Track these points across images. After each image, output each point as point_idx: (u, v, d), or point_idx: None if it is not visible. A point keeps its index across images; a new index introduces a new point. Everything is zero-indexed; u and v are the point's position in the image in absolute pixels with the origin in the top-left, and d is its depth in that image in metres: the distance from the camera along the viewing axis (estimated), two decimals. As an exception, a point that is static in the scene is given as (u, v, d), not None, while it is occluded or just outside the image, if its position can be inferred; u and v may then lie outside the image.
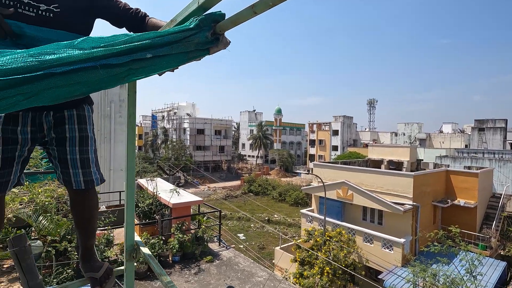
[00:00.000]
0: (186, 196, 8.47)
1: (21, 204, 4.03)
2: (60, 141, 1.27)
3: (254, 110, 59.27)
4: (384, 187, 14.96)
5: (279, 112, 55.63)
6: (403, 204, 14.00)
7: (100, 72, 0.80)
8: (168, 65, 0.96)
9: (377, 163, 23.04)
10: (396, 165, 22.03)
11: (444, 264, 10.67)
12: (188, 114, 48.48)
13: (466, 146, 37.14)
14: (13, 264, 4.50)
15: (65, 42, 0.81)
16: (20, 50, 0.74)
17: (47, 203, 4.10)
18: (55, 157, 1.29)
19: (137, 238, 1.59)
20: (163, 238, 7.07)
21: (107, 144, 13.26)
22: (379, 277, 12.69)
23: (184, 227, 7.35)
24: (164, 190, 8.65)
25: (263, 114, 59.95)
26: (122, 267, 1.56)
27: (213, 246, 8.15)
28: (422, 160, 28.21)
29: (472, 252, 11.23)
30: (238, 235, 21.78)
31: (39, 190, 4.27)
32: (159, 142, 48.13)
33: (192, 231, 7.75)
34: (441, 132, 44.82)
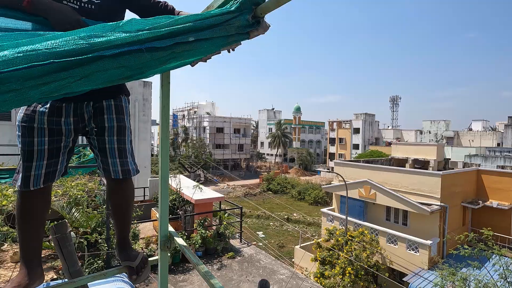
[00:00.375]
0: (208, 192, 8.57)
1: (56, 197, 4.24)
2: (100, 131, 1.29)
3: (273, 109, 59.04)
4: (410, 186, 14.40)
5: (298, 110, 55.06)
6: (430, 205, 13.41)
7: (146, 56, 0.80)
8: (209, 50, 0.94)
9: (401, 162, 22.20)
10: (421, 164, 21.11)
11: (475, 268, 10.11)
12: (207, 113, 49.15)
13: (498, 144, 35.01)
14: (48, 254, 4.75)
15: (111, 23, 0.80)
16: (69, 32, 0.74)
17: (79, 196, 4.31)
18: (95, 146, 1.32)
19: (170, 229, 1.60)
20: (186, 234, 7.19)
21: (131, 141, 13.68)
22: (404, 279, 12.25)
23: (206, 223, 7.45)
24: (187, 187, 8.80)
25: (282, 113, 59.58)
26: (156, 257, 1.57)
27: (235, 242, 8.20)
28: (450, 159, 26.92)
29: (507, 256, 10.56)
30: (257, 233, 21.82)
31: (72, 184, 4.48)
32: (179, 140, 49.15)
33: (214, 227, 7.83)
34: (471, 130, 42.58)
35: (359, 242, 13.25)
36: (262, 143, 58.19)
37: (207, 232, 7.28)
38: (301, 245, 16.32)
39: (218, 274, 6.34)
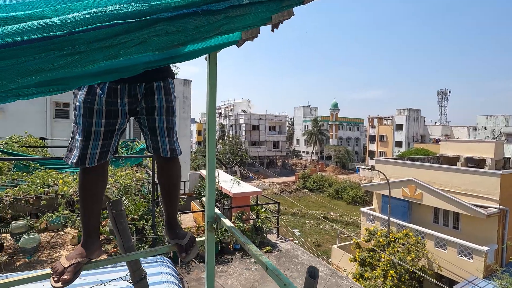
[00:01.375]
0: (245, 186, 8.67)
1: (108, 185, 4.59)
2: (150, 110, 1.33)
3: (309, 105, 57.91)
4: (462, 187, 13.16)
5: (335, 106, 53.35)
6: (486, 207, 12.13)
7: (202, 19, 0.78)
8: (262, 15, 0.90)
9: (451, 160, 20.38)
10: (476, 163, 19.19)
11: (542, 280, 8.97)
12: (243, 111, 49.75)
13: None
14: (101, 239, 5.15)
15: None
16: None
17: (128, 184, 4.62)
18: (145, 126, 1.36)
19: (217, 211, 1.60)
20: (224, 226, 7.35)
21: (172, 137, 14.37)
22: (455, 287, 11.27)
23: (244, 217, 7.53)
24: (224, 181, 8.99)
25: (319, 109, 58.14)
26: (203, 238, 1.59)
27: (271, 237, 8.19)
28: (510, 158, 24.15)
29: None
30: (293, 230, 21.62)
31: (121, 174, 4.82)
32: (216, 137, 50.37)
33: (251, 221, 7.89)
34: (536, 125, 37.64)
35: (403, 244, 12.46)
36: (297, 141, 57.49)
37: (245, 225, 7.36)
38: (339, 244, 15.82)
39: (256, 267, 6.37)
